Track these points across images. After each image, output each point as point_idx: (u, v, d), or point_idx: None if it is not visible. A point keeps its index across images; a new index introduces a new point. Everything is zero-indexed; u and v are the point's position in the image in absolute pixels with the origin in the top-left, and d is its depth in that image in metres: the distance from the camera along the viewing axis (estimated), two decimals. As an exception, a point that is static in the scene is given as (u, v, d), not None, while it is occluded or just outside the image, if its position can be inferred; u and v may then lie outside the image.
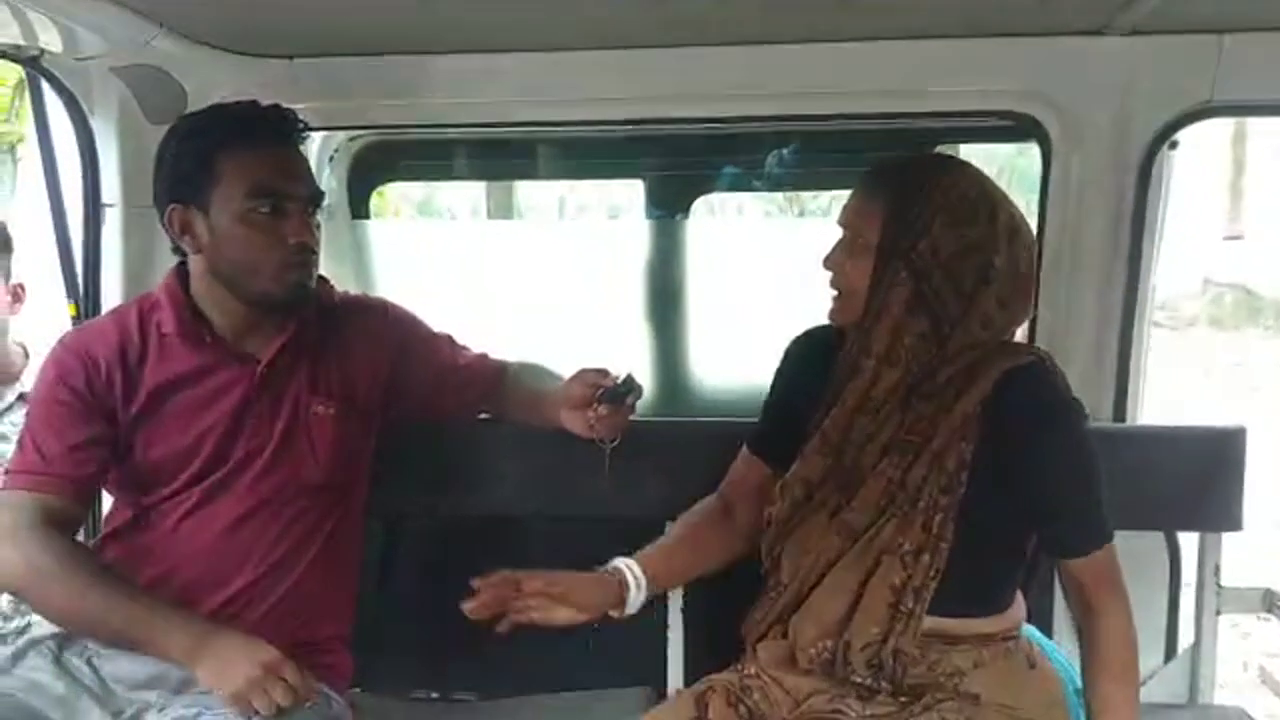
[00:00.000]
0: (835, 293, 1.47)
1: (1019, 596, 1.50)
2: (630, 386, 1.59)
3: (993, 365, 1.40)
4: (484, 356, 1.81)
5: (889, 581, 1.39)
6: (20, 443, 1.59)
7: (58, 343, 1.64)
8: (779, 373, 1.62)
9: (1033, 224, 1.98)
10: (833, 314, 1.49)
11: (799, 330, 1.62)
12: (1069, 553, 1.44)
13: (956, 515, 1.38)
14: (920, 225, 1.38)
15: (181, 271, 1.63)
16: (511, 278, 2.39)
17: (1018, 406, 1.39)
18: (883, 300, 1.40)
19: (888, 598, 1.39)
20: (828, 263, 1.47)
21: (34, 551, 1.49)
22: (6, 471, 1.77)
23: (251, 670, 1.42)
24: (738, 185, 2.72)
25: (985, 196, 1.41)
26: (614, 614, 1.51)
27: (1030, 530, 1.47)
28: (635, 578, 1.51)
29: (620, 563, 1.53)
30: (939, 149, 2.36)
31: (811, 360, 1.54)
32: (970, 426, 1.39)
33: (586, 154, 2.64)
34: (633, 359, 1.64)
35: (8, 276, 2.10)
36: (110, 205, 1.99)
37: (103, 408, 1.58)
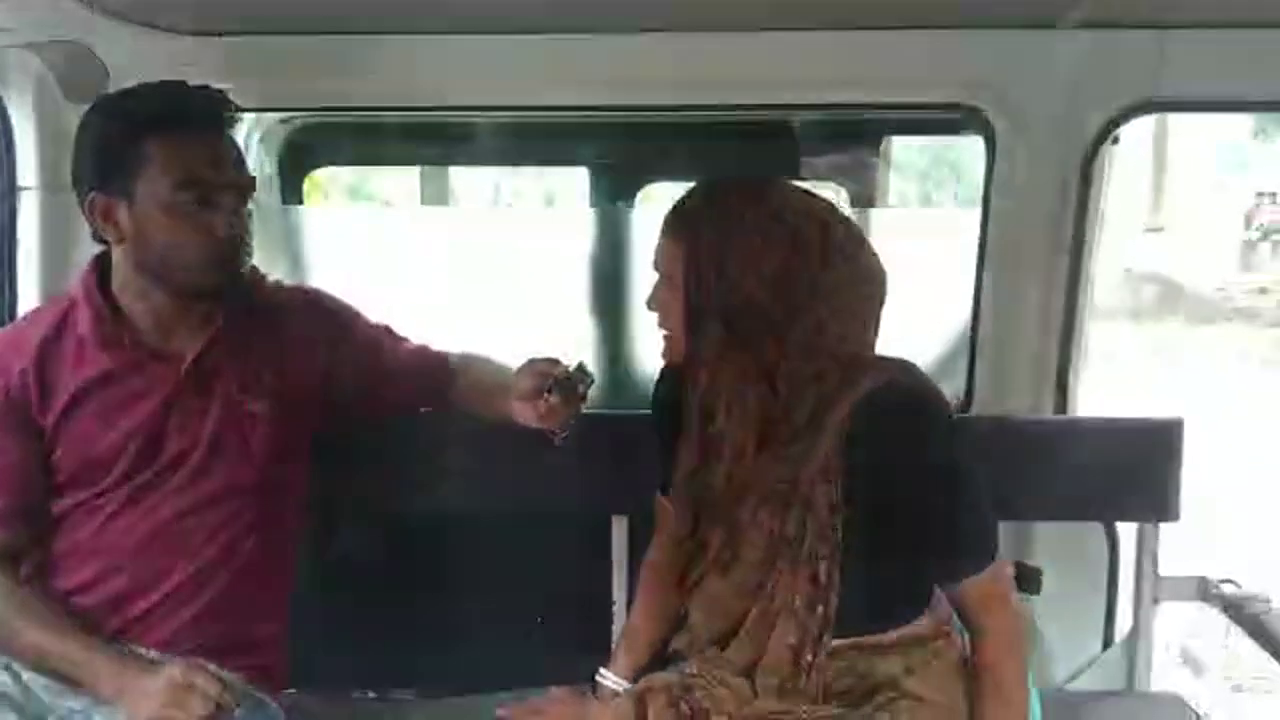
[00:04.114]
0: (665, 332, 1.42)
1: (939, 592, 1.45)
2: (583, 375, 1.55)
3: (847, 393, 1.32)
4: (426, 348, 1.75)
5: (786, 641, 1.37)
6: None
7: None
8: (652, 416, 1.57)
9: (976, 217, 2.02)
10: (664, 354, 1.44)
11: None
12: (952, 576, 1.39)
13: (846, 553, 1.33)
14: (717, 270, 1.33)
15: (101, 263, 1.55)
16: (452, 265, 2.34)
17: (879, 435, 1.31)
18: (700, 347, 1.36)
19: (787, 656, 1.37)
20: (650, 304, 1.42)
21: None
22: None
23: (161, 693, 1.39)
24: (683, 174, 2.70)
25: (782, 223, 1.33)
26: None
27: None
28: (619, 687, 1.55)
29: (610, 681, 1.56)
30: (883, 141, 2.37)
31: (671, 404, 1.48)
32: (834, 464, 1.33)
33: (528, 140, 2.59)
34: (578, 351, 1.60)
35: None
36: (26, 188, 1.91)
37: (27, 422, 1.51)
